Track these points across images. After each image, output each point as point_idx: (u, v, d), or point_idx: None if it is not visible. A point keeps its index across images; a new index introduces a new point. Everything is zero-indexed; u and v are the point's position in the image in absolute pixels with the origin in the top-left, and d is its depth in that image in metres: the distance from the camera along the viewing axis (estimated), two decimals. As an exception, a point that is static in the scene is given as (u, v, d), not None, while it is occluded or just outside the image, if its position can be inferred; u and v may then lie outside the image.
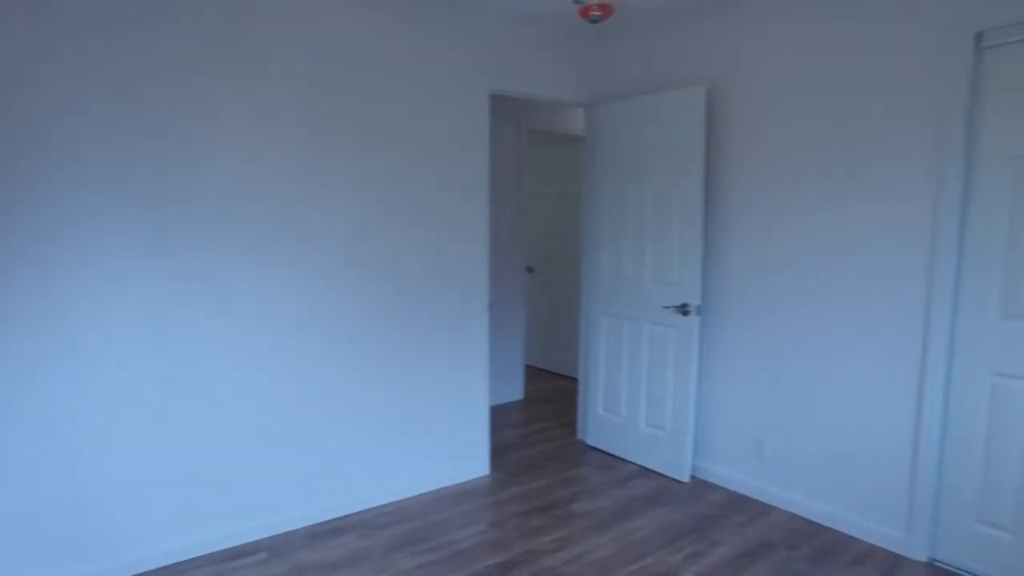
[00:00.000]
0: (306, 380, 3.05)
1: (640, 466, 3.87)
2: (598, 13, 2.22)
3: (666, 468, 3.71)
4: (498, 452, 4.09)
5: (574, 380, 5.81)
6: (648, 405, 3.79)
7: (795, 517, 3.24)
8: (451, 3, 3.29)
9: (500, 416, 4.85)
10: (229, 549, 2.88)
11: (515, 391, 5.29)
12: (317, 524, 3.12)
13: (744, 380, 3.47)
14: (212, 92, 2.68)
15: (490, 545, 2.93)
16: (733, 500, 3.43)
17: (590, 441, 4.19)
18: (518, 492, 3.50)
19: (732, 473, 3.56)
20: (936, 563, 2.82)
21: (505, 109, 5.00)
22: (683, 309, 3.51)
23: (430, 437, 3.50)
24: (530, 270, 6.31)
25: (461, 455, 3.63)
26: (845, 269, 3.03)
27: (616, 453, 4.02)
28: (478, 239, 3.56)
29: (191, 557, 2.80)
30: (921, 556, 2.84)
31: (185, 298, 2.69)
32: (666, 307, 3.60)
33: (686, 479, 3.63)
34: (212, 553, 2.85)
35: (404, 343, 3.34)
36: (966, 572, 2.74)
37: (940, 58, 2.68)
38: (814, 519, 3.20)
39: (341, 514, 3.21)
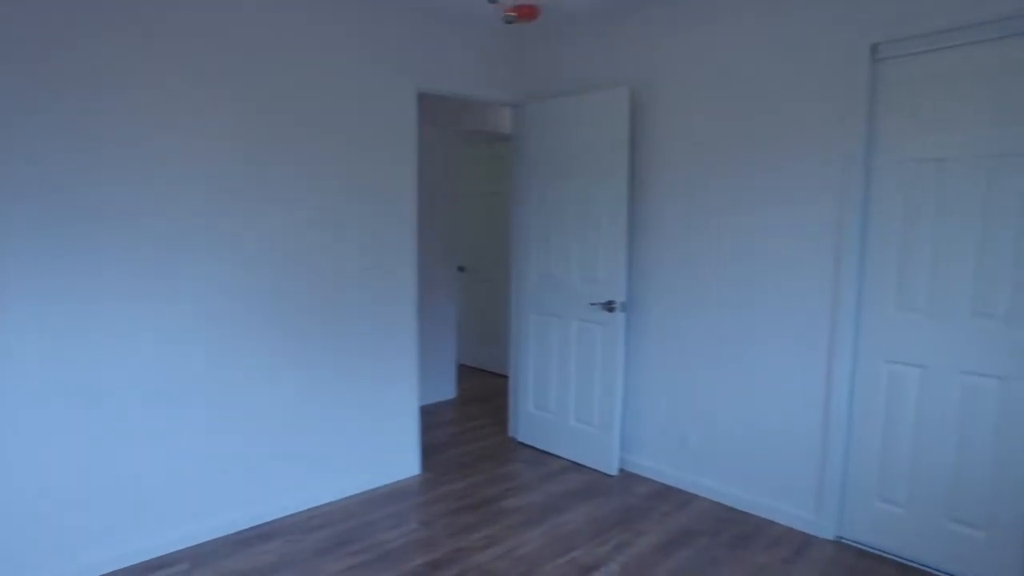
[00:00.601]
0: (228, 384, 2.98)
1: (570, 461, 3.95)
2: (513, 14, 2.26)
3: (595, 462, 3.80)
4: (429, 451, 4.09)
5: (507, 378, 5.86)
6: (577, 401, 3.87)
7: (717, 505, 3.37)
8: (378, 1, 3.27)
9: (432, 415, 4.85)
10: (148, 561, 2.78)
11: (447, 390, 5.30)
12: (243, 531, 3.06)
13: (669, 374, 3.59)
14: (116, 90, 2.59)
15: (419, 544, 2.94)
16: (659, 491, 3.54)
17: (521, 438, 4.25)
18: (449, 491, 3.52)
19: (658, 465, 3.68)
20: (842, 540, 3.00)
21: (438, 108, 5.00)
22: (609, 306, 3.60)
23: (359, 439, 3.47)
24: (462, 269, 6.32)
25: (391, 456, 3.62)
26: (761, 267, 3.18)
27: (547, 449, 4.08)
28: (406, 237, 3.56)
29: (107, 572, 2.69)
30: (829, 535, 3.01)
31: (86, 305, 2.58)
32: (593, 304, 3.68)
33: (614, 472, 3.73)
34: (130, 567, 2.74)
35: (331, 345, 3.31)
36: (868, 547, 2.93)
37: (842, 68, 2.84)
38: (735, 506, 3.34)
39: (269, 519, 3.15)
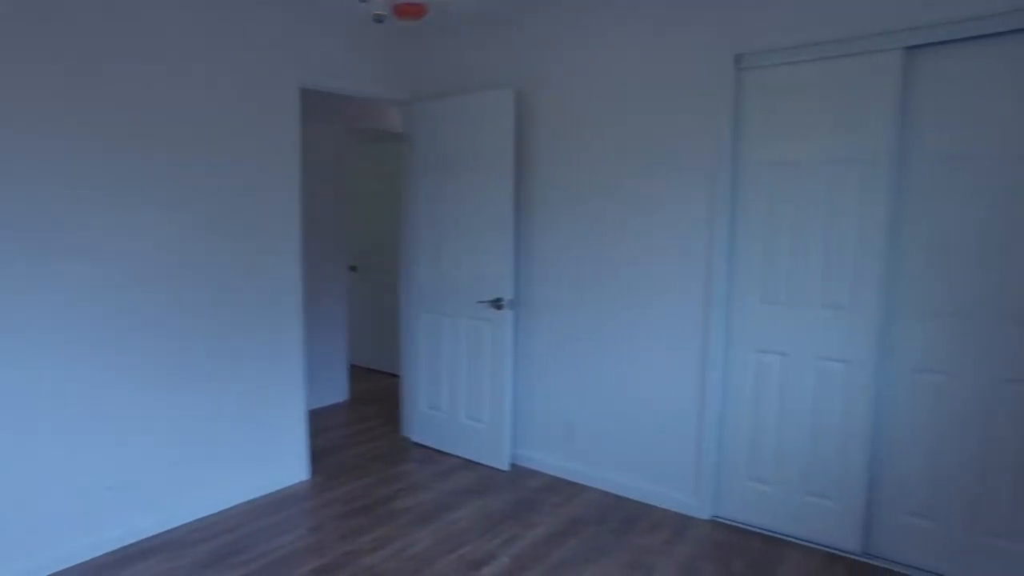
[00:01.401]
0: (91, 394, 2.78)
1: (463, 458, 3.97)
2: (382, 14, 2.27)
3: (487, 458, 3.85)
4: (319, 456, 4.00)
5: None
6: (467, 398, 3.90)
7: (605, 494, 3.50)
8: (252, -7, 3.17)
9: (323, 419, 4.74)
10: (3, 590, 2.57)
11: (339, 392, 5.20)
12: (116, 550, 2.87)
13: (556, 369, 3.69)
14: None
15: (307, 550, 2.87)
16: (550, 484, 3.63)
17: (415, 437, 4.23)
18: (339, 494, 3.45)
19: (548, 458, 3.77)
20: (718, 519, 3.20)
21: (328, 105, 4.88)
22: (497, 303, 3.65)
23: (243, 446, 3.35)
24: (354, 268, 6.21)
25: (278, 462, 3.51)
26: (641, 264, 3.32)
27: (440, 447, 4.09)
28: (290, 237, 3.46)
29: (-47, 605, 2.47)
30: (706, 515, 3.21)
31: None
32: (481, 302, 3.72)
33: (507, 467, 3.79)
34: (-19, 597, 2.52)
35: (210, 350, 3.16)
36: (740, 523, 3.15)
37: (710, 76, 3.03)
38: (621, 493, 3.49)
39: (144, 537, 2.98)
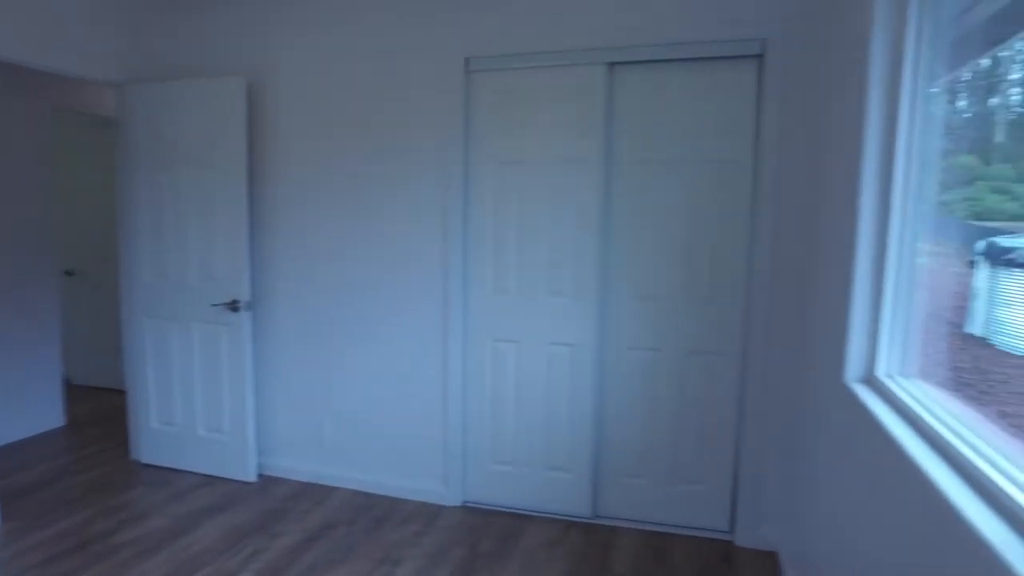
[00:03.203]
0: None
1: (203, 475, 3.64)
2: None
3: (231, 472, 3.57)
4: (16, 497, 3.37)
5: (134, 394, 5.16)
6: (205, 409, 3.58)
7: (356, 494, 3.44)
8: None
9: (27, 451, 4.03)
10: None
11: (52, 418, 4.46)
12: None
13: (302, 371, 3.54)
14: None
15: (-4, 608, 2.43)
16: (299, 490, 3.48)
17: (145, 459, 3.78)
18: (42, 538, 2.96)
19: (298, 464, 3.61)
20: (468, 504, 3.32)
21: (23, 80, 4.14)
22: (233, 306, 3.40)
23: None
24: (70, 273, 5.38)
25: (-42, 508, 2.92)
26: (384, 263, 3.31)
27: (175, 466, 3.70)
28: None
29: None
30: (457, 502, 3.31)
31: None
32: (215, 305, 3.44)
33: (253, 478, 3.55)
34: None
35: None
36: (490, 505, 3.30)
37: (444, 76, 3.11)
38: (373, 491, 3.45)
39: None
